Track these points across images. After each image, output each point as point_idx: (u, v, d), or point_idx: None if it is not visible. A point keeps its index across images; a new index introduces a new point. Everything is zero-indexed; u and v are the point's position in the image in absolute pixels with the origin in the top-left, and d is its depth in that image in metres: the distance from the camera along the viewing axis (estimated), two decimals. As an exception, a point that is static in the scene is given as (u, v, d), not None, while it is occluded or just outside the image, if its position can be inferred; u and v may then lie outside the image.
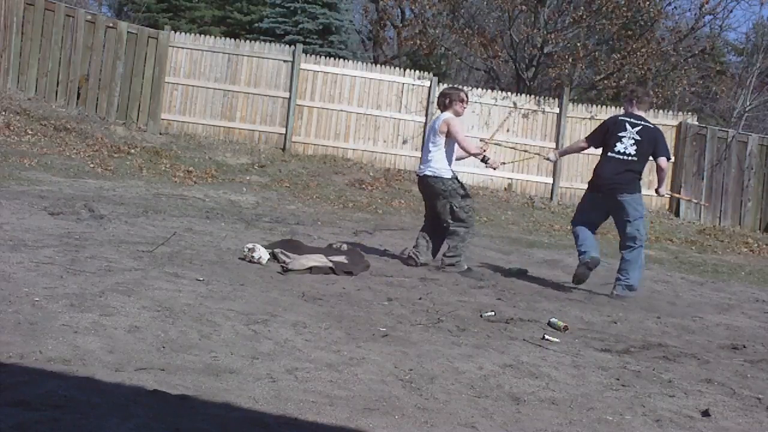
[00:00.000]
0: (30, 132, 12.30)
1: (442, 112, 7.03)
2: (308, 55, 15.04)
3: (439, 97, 7.20)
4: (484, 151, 7.31)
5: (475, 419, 3.24)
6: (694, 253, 11.92)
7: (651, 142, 6.73)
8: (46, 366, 3.21)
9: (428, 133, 7.15)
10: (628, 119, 6.83)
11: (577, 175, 15.02)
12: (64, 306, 4.08)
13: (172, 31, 14.56)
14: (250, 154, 13.87)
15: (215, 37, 15.91)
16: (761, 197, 14.90)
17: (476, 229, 6.79)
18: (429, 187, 6.86)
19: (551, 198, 15.02)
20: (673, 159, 15.02)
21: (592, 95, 20.43)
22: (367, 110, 14.78)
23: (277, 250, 6.29)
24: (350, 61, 15.45)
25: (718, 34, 24.82)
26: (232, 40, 15.23)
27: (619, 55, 17.61)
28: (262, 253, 6.12)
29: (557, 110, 15.22)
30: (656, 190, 7.17)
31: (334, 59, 15.32)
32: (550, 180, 15.12)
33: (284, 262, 6.06)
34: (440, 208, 6.84)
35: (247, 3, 23.35)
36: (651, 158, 6.85)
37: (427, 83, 14.97)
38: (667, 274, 8.82)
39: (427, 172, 6.87)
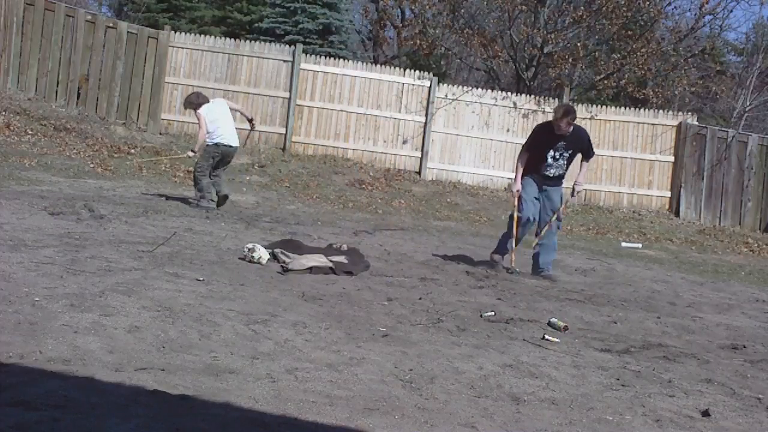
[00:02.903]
0: (30, 132, 12.30)
1: (208, 102, 9.50)
2: (308, 55, 15.04)
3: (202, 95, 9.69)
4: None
5: (475, 419, 3.24)
6: (694, 253, 11.92)
7: None
8: (46, 366, 3.21)
9: (226, 112, 9.44)
10: None
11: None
12: (64, 306, 4.08)
13: (172, 31, 14.56)
14: (250, 154, 13.86)
15: (215, 37, 15.92)
16: (761, 197, 14.90)
17: None
18: (235, 151, 9.61)
19: (551, 198, 15.02)
20: (673, 159, 15.18)
21: (592, 95, 20.42)
22: (367, 110, 14.78)
23: (277, 250, 6.29)
24: (350, 61, 15.45)
25: (718, 34, 24.82)
26: (232, 40, 15.24)
27: (619, 55, 17.61)
28: (262, 253, 6.12)
29: (557, 110, 15.20)
30: None
31: (334, 59, 15.32)
32: (550, 180, 15.12)
33: (284, 262, 6.06)
34: (229, 164, 9.78)
35: (247, 3, 23.34)
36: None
37: (427, 83, 14.97)
38: (667, 274, 8.82)
39: (238, 143, 9.64)
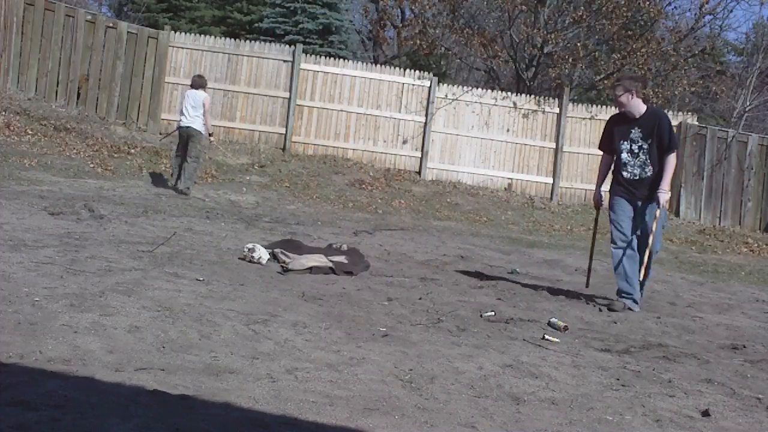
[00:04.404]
0: (30, 132, 12.30)
1: (197, 89, 10.97)
2: (308, 55, 15.04)
3: (200, 79, 11.16)
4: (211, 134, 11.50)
5: (475, 419, 3.24)
6: (694, 253, 11.91)
7: None
8: (46, 366, 3.21)
9: (192, 101, 10.81)
10: None
11: (577, 175, 15.03)
12: (64, 306, 4.08)
13: (172, 31, 14.56)
14: (250, 154, 13.86)
15: (215, 37, 15.91)
16: (761, 197, 14.90)
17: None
18: (194, 133, 10.75)
19: (551, 198, 15.02)
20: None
21: (592, 95, 20.42)
22: (367, 110, 14.78)
23: (277, 250, 6.29)
24: (350, 61, 15.45)
25: (718, 34, 24.79)
26: (232, 40, 15.23)
27: (619, 55, 17.60)
28: (262, 253, 6.12)
29: (557, 110, 15.22)
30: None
31: (334, 59, 15.32)
32: (550, 180, 15.12)
33: (284, 262, 6.06)
34: (192, 146, 10.75)
35: (247, 3, 23.33)
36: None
37: (427, 83, 14.97)
38: (667, 274, 8.82)
39: (195, 126, 10.76)
